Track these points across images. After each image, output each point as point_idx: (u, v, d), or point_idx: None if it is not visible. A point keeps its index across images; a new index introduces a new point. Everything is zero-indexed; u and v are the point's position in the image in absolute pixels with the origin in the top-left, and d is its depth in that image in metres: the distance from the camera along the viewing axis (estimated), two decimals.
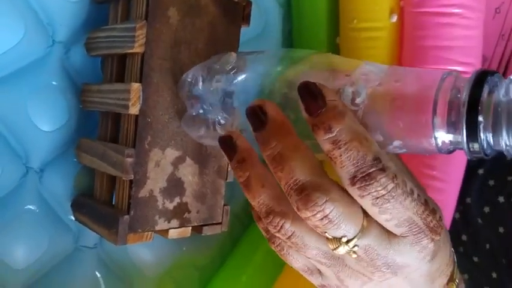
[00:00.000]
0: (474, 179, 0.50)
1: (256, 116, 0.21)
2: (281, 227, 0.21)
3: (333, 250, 0.20)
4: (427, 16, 0.37)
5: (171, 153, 0.30)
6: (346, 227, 0.19)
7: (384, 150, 0.21)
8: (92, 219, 0.30)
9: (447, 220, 0.40)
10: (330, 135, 0.19)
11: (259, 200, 0.22)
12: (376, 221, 0.20)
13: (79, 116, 0.33)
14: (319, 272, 0.24)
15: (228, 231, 0.43)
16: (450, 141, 0.19)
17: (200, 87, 0.27)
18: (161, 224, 0.29)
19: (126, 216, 0.27)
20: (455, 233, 0.51)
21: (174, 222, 0.30)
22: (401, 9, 0.39)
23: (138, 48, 0.27)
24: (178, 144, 0.30)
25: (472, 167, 0.50)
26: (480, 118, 0.17)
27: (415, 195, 0.19)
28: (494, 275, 0.47)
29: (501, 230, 0.47)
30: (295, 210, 0.20)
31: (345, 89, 0.20)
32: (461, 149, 0.19)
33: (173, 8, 0.29)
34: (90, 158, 0.31)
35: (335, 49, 0.44)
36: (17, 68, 0.30)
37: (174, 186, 0.30)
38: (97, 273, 0.35)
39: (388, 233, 0.20)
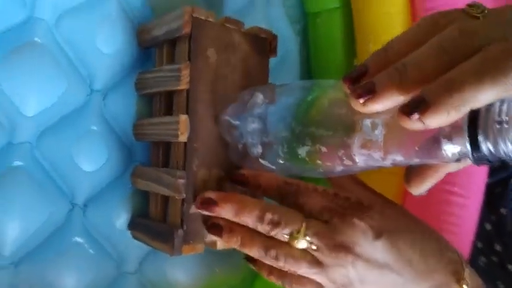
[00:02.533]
0: (507, 190, 0.52)
1: (207, 203, 0.33)
2: (276, 254, 0.30)
3: (293, 243, 0.30)
4: None
5: (216, 173, 0.35)
6: (291, 224, 0.30)
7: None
8: (149, 235, 0.35)
9: (469, 233, 0.42)
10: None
11: (255, 249, 0.32)
12: (313, 218, 0.30)
13: (116, 155, 0.38)
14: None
15: None
16: (458, 152, 0.23)
17: (237, 127, 0.33)
18: (210, 236, 0.34)
19: (180, 230, 0.32)
20: (489, 244, 0.53)
21: None
22: None
23: (183, 85, 0.33)
24: (222, 165, 0.35)
25: (504, 178, 0.52)
26: (480, 132, 0.21)
27: (320, 189, 0.31)
28: None
29: None
30: (267, 233, 0.31)
31: (363, 122, 0.25)
32: (468, 157, 0.23)
33: (211, 49, 0.35)
34: (145, 183, 0.36)
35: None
36: (61, 116, 0.36)
37: None
38: None
39: (326, 221, 0.30)
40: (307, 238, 0.29)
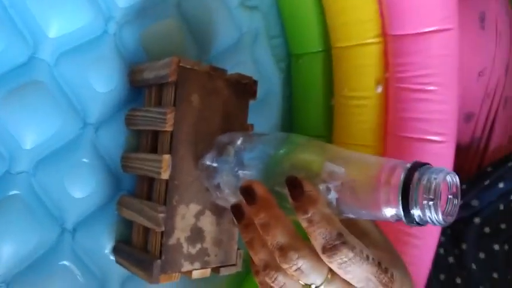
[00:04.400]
0: (470, 227, 0.57)
1: (248, 193, 0.30)
2: (275, 278, 0.29)
3: None
4: (406, 91, 0.46)
5: (194, 208, 0.39)
6: (313, 277, 0.28)
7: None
8: (130, 262, 0.39)
9: (423, 272, 0.46)
10: (306, 216, 0.27)
11: (259, 256, 0.30)
12: (338, 275, 0.28)
13: (105, 183, 0.42)
14: None
15: (233, 276, 0.51)
16: (395, 214, 0.27)
17: (214, 175, 0.37)
18: (186, 266, 0.38)
19: (159, 261, 0.36)
20: (450, 277, 0.57)
21: (197, 265, 0.39)
22: (386, 80, 0.48)
23: (168, 127, 0.37)
24: (200, 200, 0.39)
25: (468, 216, 0.56)
26: (410, 204, 0.25)
27: (370, 260, 0.27)
28: None
29: (495, 275, 0.53)
30: (278, 263, 0.28)
31: (319, 187, 0.29)
32: (402, 220, 0.26)
33: (195, 94, 0.39)
34: (129, 212, 0.40)
35: (330, 110, 0.53)
36: (56, 147, 0.40)
37: (196, 234, 0.39)
38: None
39: (350, 285, 0.28)
40: None
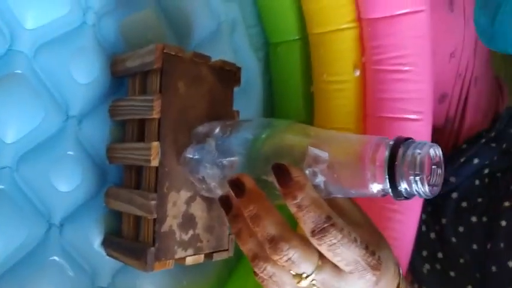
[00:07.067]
0: (448, 202, 0.59)
1: (237, 186, 0.30)
2: (264, 268, 0.29)
3: (297, 284, 0.28)
4: (383, 73, 0.47)
5: (184, 194, 0.39)
6: (304, 266, 0.28)
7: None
8: (122, 253, 0.39)
9: (407, 246, 0.48)
10: (295, 201, 0.27)
11: (247, 247, 0.30)
12: (328, 261, 0.28)
13: (90, 176, 0.41)
14: None
15: (224, 262, 0.52)
16: (382, 189, 0.27)
17: (198, 167, 0.37)
18: (179, 253, 0.38)
19: (152, 248, 0.36)
20: (432, 252, 0.60)
21: (190, 251, 0.39)
22: (363, 64, 0.50)
23: (155, 115, 0.37)
24: (190, 187, 0.39)
25: (446, 191, 0.59)
26: (397, 179, 0.26)
27: (358, 242, 0.28)
28: None
29: (474, 246, 0.56)
30: (268, 255, 0.28)
31: (305, 171, 0.29)
32: (389, 194, 0.27)
33: (181, 81, 0.39)
34: (118, 203, 0.40)
35: (310, 96, 0.55)
36: (39, 141, 0.39)
37: (188, 221, 0.39)
38: None
39: (340, 270, 0.29)
40: (313, 282, 0.28)
